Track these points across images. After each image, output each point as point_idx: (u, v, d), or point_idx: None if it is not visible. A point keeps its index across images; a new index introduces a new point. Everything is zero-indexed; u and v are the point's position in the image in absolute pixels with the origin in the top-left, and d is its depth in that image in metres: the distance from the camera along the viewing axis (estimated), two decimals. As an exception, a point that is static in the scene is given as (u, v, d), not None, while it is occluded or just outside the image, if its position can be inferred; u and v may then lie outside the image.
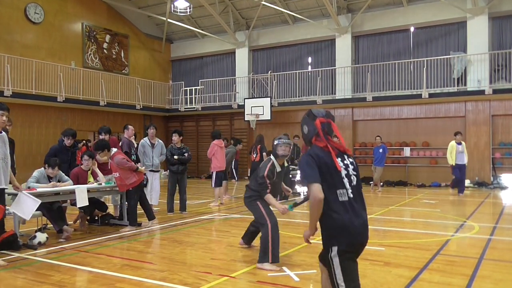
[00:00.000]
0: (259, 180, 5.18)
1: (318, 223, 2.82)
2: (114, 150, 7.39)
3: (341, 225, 2.71)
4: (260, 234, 5.26)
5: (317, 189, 2.67)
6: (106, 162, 7.76)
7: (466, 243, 6.52)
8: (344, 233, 2.72)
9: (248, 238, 5.92)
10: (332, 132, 2.99)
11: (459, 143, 12.70)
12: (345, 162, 2.88)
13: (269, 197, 5.23)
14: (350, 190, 2.78)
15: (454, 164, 12.64)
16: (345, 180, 2.79)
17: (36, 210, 6.65)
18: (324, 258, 2.86)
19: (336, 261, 2.73)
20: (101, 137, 8.22)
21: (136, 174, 7.29)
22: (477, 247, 6.05)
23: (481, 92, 15.06)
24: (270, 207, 5.33)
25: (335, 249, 2.73)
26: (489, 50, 15.54)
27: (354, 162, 2.94)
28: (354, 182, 2.83)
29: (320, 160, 2.78)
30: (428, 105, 16.41)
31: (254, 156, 11.50)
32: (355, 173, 2.87)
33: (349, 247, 2.74)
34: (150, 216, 7.73)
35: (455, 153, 12.58)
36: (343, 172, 2.81)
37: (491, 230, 7.27)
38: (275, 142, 5.26)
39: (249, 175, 13.34)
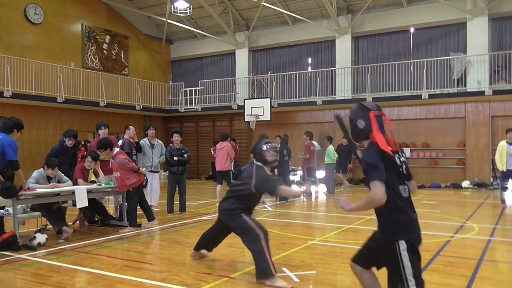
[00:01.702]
0: (266, 185, 4.62)
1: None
2: (117, 150, 7.43)
3: (407, 220, 2.75)
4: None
5: (382, 190, 2.66)
6: (107, 160, 7.78)
7: (466, 244, 6.51)
8: (410, 228, 2.76)
9: (208, 244, 5.27)
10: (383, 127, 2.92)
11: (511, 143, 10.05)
12: (401, 159, 2.89)
13: (283, 188, 4.71)
14: (407, 188, 2.82)
15: (505, 170, 10.10)
16: (404, 177, 2.83)
17: (36, 211, 6.69)
18: (381, 256, 2.85)
19: (405, 255, 2.70)
20: (100, 132, 8.21)
21: (136, 175, 7.29)
22: (477, 248, 6.04)
23: (481, 93, 15.06)
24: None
25: (403, 243, 2.72)
26: (489, 51, 15.54)
27: (406, 160, 2.97)
28: (407, 180, 2.88)
29: (385, 157, 2.75)
30: (428, 106, 16.42)
31: None
32: (408, 171, 2.91)
33: (414, 242, 2.77)
34: (150, 217, 7.72)
35: (505, 155, 10.03)
36: (403, 168, 2.84)
37: (491, 231, 7.27)
38: (264, 148, 4.72)
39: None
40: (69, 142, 7.71)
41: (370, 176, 2.70)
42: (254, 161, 4.78)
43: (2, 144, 5.49)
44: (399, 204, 2.74)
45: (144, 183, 8.38)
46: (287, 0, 18.75)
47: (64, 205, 7.24)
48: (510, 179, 10.30)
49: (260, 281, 4.32)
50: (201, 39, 22.06)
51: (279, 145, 12.00)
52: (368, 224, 7.61)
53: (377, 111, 2.93)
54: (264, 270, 4.32)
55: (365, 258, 3.00)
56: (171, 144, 9.37)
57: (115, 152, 7.35)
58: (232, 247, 6.13)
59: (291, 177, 12.72)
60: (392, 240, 2.75)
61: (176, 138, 9.27)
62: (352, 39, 18.17)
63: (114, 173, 7.30)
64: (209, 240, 5.25)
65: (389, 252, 2.75)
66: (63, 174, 7.00)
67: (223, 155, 10.91)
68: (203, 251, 5.38)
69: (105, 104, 17.89)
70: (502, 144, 10.08)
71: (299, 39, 19.45)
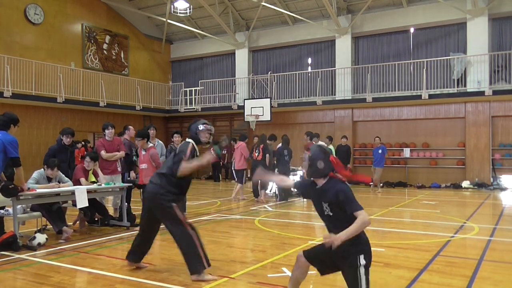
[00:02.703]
0: (180, 156, 4.57)
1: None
2: (151, 144, 7.98)
3: (367, 241, 3.26)
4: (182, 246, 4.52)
5: (367, 214, 3.11)
6: (113, 160, 7.91)
7: (466, 244, 6.51)
8: (368, 247, 3.24)
9: (137, 254, 4.88)
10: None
11: None
12: None
13: (188, 164, 4.57)
14: None
15: None
16: None
17: (36, 211, 6.69)
18: (335, 263, 3.30)
19: (362, 271, 3.16)
20: (107, 131, 8.19)
21: None
22: (477, 248, 6.04)
23: (481, 93, 15.06)
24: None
25: (362, 259, 3.17)
26: (489, 51, 15.54)
27: None
28: None
29: None
30: (428, 106, 16.42)
31: (257, 155, 11.52)
32: None
33: (370, 260, 3.24)
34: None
35: None
36: None
37: (491, 231, 7.27)
38: (200, 128, 4.76)
39: (249, 175, 13.33)
40: (66, 140, 7.71)
41: (358, 206, 3.12)
42: (190, 139, 4.77)
43: (2, 142, 5.50)
44: None
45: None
46: (287, 0, 18.75)
47: (64, 205, 7.24)
48: None
49: (193, 276, 4.40)
50: (201, 39, 22.06)
51: (280, 145, 11.99)
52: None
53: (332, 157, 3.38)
54: (195, 262, 4.40)
55: (320, 262, 3.41)
56: (171, 144, 9.39)
57: (150, 145, 7.86)
58: (232, 247, 6.13)
59: (291, 177, 12.72)
60: (353, 255, 3.18)
61: (176, 138, 9.28)
62: (352, 39, 18.18)
63: (141, 165, 7.68)
64: (143, 247, 4.86)
65: (346, 264, 3.21)
66: (63, 175, 7.00)
67: (238, 154, 11.77)
68: (141, 264, 4.92)
69: (105, 104, 17.89)
70: None
71: (299, 39, 19.45)
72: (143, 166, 7.68)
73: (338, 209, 3.19)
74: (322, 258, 3.38)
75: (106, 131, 8.19)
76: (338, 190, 3.19)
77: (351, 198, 3.15)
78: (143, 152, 7.77)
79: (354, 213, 3.09)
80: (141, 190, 7.45)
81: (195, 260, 4.42)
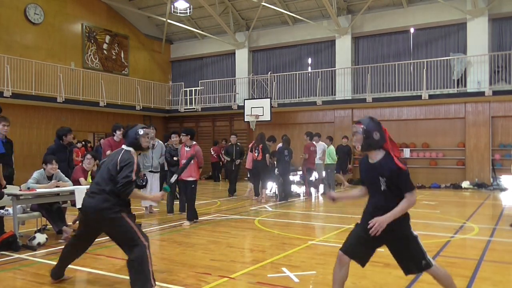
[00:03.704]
0: (127, 179, 3.97)
1: None
2: (194, 142, 8.31)
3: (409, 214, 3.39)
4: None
5: (415, 195, 3.25)
6: None
7: (466, 244, 6.52)
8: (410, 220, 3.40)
9: (62, 268, 4.48)
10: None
11: None
12: None
13: (137, 192, 4.22)
14: None
15: None
16: None
17: (36, 211, 6.68)
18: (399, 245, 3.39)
19: (419, 239, 3.35)
20: (118, 132, 8.19)
21: (199, 171, 8.11)
22: (477, 249, 6.04)
23: (481, 93, 15.06)
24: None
25: (413, 232, 3.36)
26: (489, 51, 15.54)
27: None
28: None
29: None
30: (428, 106, 16.42)
31: (256, 154, 11.50)
32: None
33: None
34: (188, 215, 8.12)
35: None
36: None
37: (490, 232, 7.27)
38: (141, 132, 4.26)
39: (248, 175, 13.33)
40: (69, 137, 7.74)
41: (411, 186, 3.23)
42: (124, 146, 4.28)
43: None
44: None
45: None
46: (287, 0, 18.75)
47: (64, 205, 7.24)
48: None
49: None
50: (201, 39, 22.06)
51: (280, 145, 11.98)
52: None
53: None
54: (144, 280, 3.83)
55: (364, 254, 3.45)
56: (170, 144, 9.37)
57: (193, 143, 8.22)
58: (232, 247, 6.13)
59: (291, 177, 12.73)
60: (406, 229, 3.34)
61: (175, 138, 9.27)
62: (352, 39, 18.18)
63: (184, 160, 7.88)
64: (68, 259, 4.47)
65: (407, 239, 3.33)
66: (63, 175, 6.99)
67: (250, 154, 11.91)
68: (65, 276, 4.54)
69: (105, 104, 17.89)
70: None
71: (299, 39, 19.45)
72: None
73: (393, 185, 3.24)
74: (364, 247, 3.41)
75: (117, 132, 8.21)
76: (394, 168, 3.23)
77: (406, 178, 3.23)
78: (187, 149, 8.10)
79: (405, 193, 3.20)
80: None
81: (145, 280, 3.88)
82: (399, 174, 3.22)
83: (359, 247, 3.41)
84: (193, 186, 8.01)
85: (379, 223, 3.19)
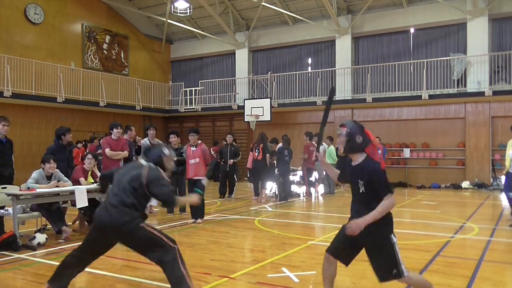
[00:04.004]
0: (167, 188, 3.81)
1: None
2: (200, 141, 8.55)
3: (392, 219, 3.45)
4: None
5: (393, 198, 3.30)
6: (117, 160, 7.99)
7: (466, 244, 6.52)
8: (393, 226, 3.43)
9: (65, 281, 3.95)
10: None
11: None
12: None
13: (180, 198, 4.13)
14: None
15: (509, 171, 8.03)
16: None
17: (35, 211, 6.68)
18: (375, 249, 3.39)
19: (397, 247, 3.34)
20: (115, 130, 8.19)
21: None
22: (477, 249, 6.04)
23: (481, 93, 15.06)
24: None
25: (393, 238, 3.36)
26: (489, 51, 15.54)
27: None
28: None
29: None
30: (428, 107, 16.42)
31: (257, 154, 11.49)
32: None
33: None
34: (196, 214, 8.24)
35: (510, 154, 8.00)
36: None
37: (490, 232, 7.27)
38: (166, 153, 4.00)
39: (248, 176, 13.33)
40: (68, 136, 7.74)
41: (387, 190, 3.27)
42: (146, 162, 3.96)
43: None
44: None
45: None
46: (287, 0, 18.76)
47: (64, 205, 7.24)
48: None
49: None
50: (201, 39, 22.06)
51: (280, 145, 11.97)
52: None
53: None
54: (182, 285, 3.68)
55: (347, 255, 3.52)
56: (169, 145, 9.37)
57: (200, 142, 8.48)
58: (232, 247, 6.13)
59: (291, 177, 12.72)
60: (386, 233, 3.36)
61: (173, 139, 9.25)
62: (352, 40, 18.18)
63: (192, 159, 8.23)
64: (70, 272, 3.97)
65: (382, 240, 3.34)
66: (62, 175, 6.99)
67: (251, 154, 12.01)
68: None
69: (105, 104, 17.89)
70: (510, 142, 8.10)
71: (299, 39, 19.46)
72: (194, 160, 8.19)
73: (372, 188, 3.32)
74: (347, 248, 3.49)
75: (115, 130, 8.20)
76: (372, 170, 3.32)
77: (383, 181, 3.30)
78: (193, 148, 8.33)
79: (383, 196, 3.26)
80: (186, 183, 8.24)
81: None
82: (377, 176, 3.29)
83: (342, 248, 3.51)
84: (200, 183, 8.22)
85: (356, 225, 3.23)
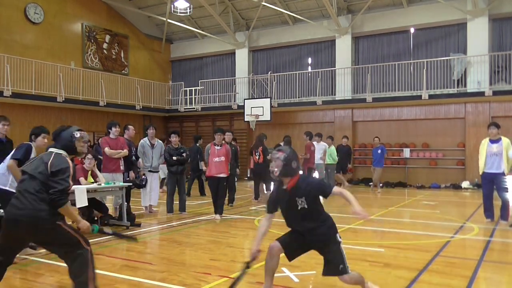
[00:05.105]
0: (65, 184, 3.45)
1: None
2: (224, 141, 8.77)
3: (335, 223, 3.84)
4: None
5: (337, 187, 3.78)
6: (116, 159, 8.01)
7: (466, 244, 6.52)
8: (336, 227, 3.82)
9: None
10: None
11: (495, 141, 8.14)
12: None
13: (69, 207, 3.55)
14: None
15: (481, 173, 8.21)
16: None
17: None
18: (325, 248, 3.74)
19: (342, 246, 3.71)
20: (113, 129, 8.17)
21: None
22: (477, 249, 6.05)
23: (481, 93, 15.06)
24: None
25: (339, 237, 3.73)
26: (489, 51, 15.54)
27: None
28: None
29: None
30: (428, 107, 16.41)
31: (257, 157, 11.44)
32: None
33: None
34: (218, 210, 8.47)
35: (484, 155, 8.13)
36: None
37: (490, 232, 7.27)
38: (77, 135, 3.78)
39: (248, 176, 13.31)
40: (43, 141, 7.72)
41: (330, 187, 3.70)
42: (54, 149, 3.68)
43: None
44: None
45: (143, 183, 8.45)
46: (287, 0, 18.75)
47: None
48: (488, 186, 8.29)
49: None
50: (201, 39, 22.05)
51: (281, 144, 11.97)
52: (367, 225, 7.61)
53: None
54: None
55: (295, 249, 3.81)
56: (169, 145, 9.37)
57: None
58: (232, 247, 6.13)
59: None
60: (333, 235, 3.72)
61: (174, 139, 9.25)
62: (352, 39, 18.18)
63: (218, 157, 8.35)
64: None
65: (332, 243, 3.69)
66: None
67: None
68: None
69: (105, 103, 17.88)
70: (483, 142, 8.24)
71: (299, 39, 19.45)
72: (219, 159, 8.37)
73: (313, 201, 3.64)
74: (296, 244, 3.77)
75: (113, 129, 8.19)
76: (308, 183, 3.69)
77: (322, 183, 3.83)
78: (218, 147, 8.45)
79: (331, 195, 3.63)
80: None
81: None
82: (315, 184, 3.73)
83: (294, 244, 3.78)
84: (225, 183, 8.62)
85: (362, 210, 3.53)
